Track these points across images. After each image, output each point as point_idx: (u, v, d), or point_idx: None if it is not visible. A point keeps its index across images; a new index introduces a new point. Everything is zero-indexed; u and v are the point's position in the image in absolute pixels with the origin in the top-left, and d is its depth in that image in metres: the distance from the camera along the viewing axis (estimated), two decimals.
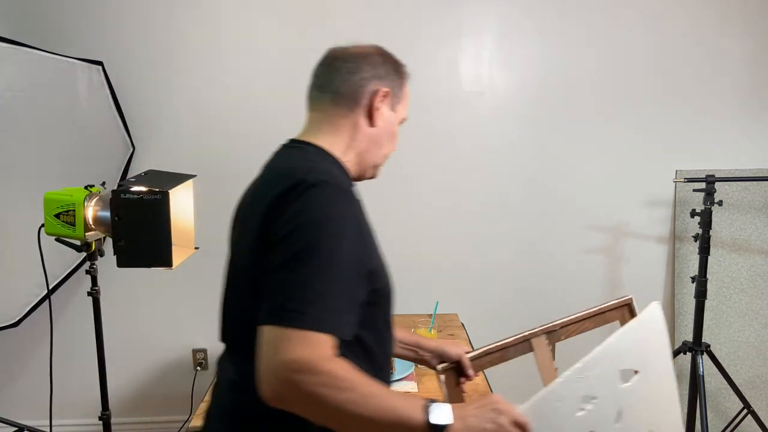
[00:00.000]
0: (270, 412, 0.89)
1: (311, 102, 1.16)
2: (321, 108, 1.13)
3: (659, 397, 1.20)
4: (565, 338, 1.40)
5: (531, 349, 1.38)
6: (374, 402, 0.85)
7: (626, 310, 1.41)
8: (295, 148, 1.11)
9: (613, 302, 1.40)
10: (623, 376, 1.14)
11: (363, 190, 2.82)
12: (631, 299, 1.40)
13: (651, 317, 1.21)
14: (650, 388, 1.18)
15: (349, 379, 0.85)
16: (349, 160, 1.13)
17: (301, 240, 0.90)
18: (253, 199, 1.07)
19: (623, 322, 1.38)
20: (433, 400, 0.91)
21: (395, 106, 1.18)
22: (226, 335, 1.12)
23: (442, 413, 0.89)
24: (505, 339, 1.40)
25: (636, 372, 1.16)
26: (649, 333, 1.20)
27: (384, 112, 1.14)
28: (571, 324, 1.38)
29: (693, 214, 2.34)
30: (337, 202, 0.96)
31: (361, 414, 0.84)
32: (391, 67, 1.17)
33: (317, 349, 0.85)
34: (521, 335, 1.38)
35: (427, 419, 0.87)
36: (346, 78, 1.11)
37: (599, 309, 1.39)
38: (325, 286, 0.88)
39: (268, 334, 0.86)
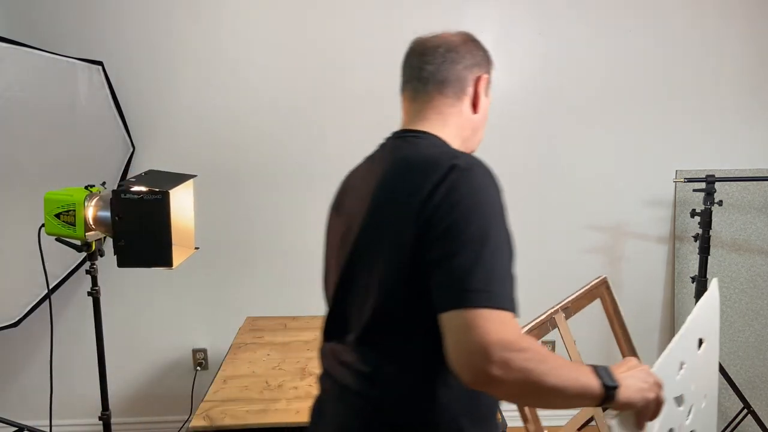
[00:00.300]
0: (404, 402, 0.96)
1: (413, 93, 1.14)
2: (425, 99, 1.12)
3: (712, 365, 1.29)
4: (573, 314, 1.65)
5: (555, 325, 1.61)
6: (565, 372, 0.87)
7: (604, 287, 1.70)
8: (413, 138, 1.09)
9: (595, 281, 1.69)
10: (698, 345, 1.23)
11: None
12: (605, 278, 1.69)
13: (714, 293, 1.29)
14: (709, 356, 1.26)
15: (544, 353, 0.87)
16: (456, 148, 1.10)
17: (475, 223, 0.90)
18: (393, 190, 1.01)
19: (603, 298, 1.69)
20: (594, 366, 0.93)
21: (488, 92, 1.19)
22: (348, 328, 1.07)
23: (609, 376, 0.92)
24: (531, 321, 1.61)
25: (702, 341, 1.24)
26: (712, 306, 1.28)
27: (483, 98, 1.16)
28: (576, 301, 1.66)
29: (693, 214, 2.34)
30: (492, 183, 0.98)
31: (556, 385, 0.86)
32: (485, 53, 1.18)
33: (515, 327, 0.86)
34: (545, 314, 1.61)
35: (603, 383, 0.90)
36: (450, 67, 1.11)
37: (589, 288, 1.68)
38: (503, 266, 0.91)
39: (460, 317, 0.86)
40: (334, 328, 1.12)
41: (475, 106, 1.15)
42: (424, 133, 1.09)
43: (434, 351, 0.93)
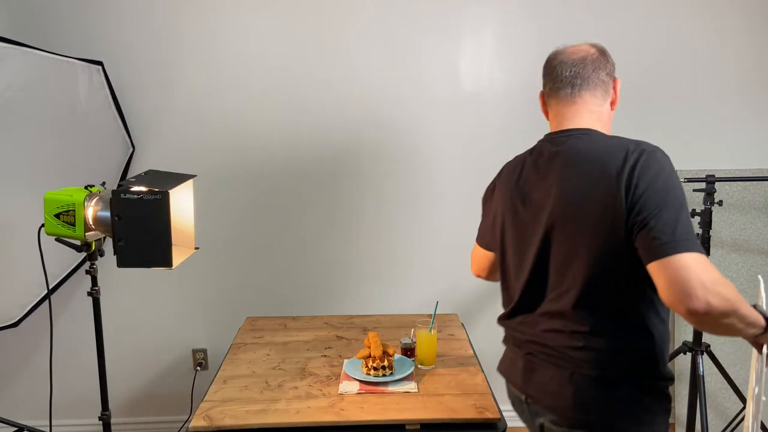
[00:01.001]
0: (620, 352, 1.22)
1: (567, 97, 1.34)
2: (578, 101, 1.34)
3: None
4: None
5: None
6: (746, 305, 1.12)
7: None
8: (582, 135, 1.31)
9: None
10: None
11: (362, 189, 2.84)
12: None
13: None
14: None
15: (734, 287, 1.11)
16: None
17: (672, 192, 1.15)
18: (589, 173, 1.23)
19: None
20: (753, 305, 1.19)
21: None
22: (543, 299, 1.32)
23: (764, 313, 1.18)
24: None
25: None
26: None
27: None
28: None
29: (693, 214, 2.34)
30: (670, 162, 1.22)
31: (745, 314, 1.11)
32: (613, 61, 1.39)
33: (714, 267, 1.10)
34: None
35: (765, 317, 1.17)
36: (596, 74, 1.33)
37: None
38: (691, 224, 1.15)
39: (677, 260, 1.09)
40: (525, 303, 1.36)
41: (613, 103, 1.38)
42: (588, 129, 1.32)
43: (637, 304, 1.22)
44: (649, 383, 1.25)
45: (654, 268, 1.12)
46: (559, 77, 1.35)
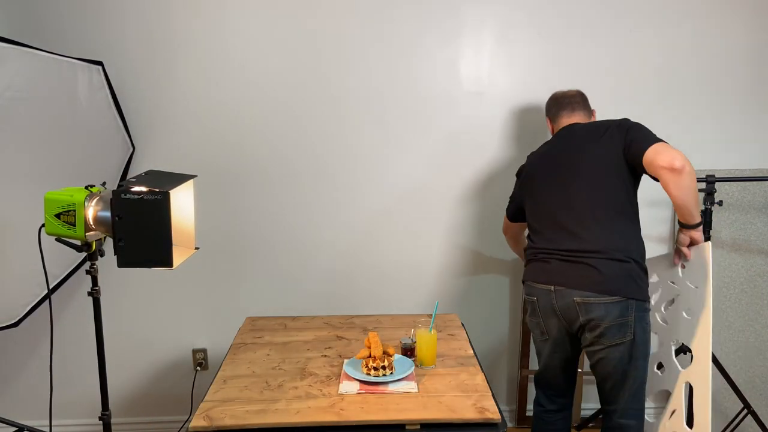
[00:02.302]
0: (635, 247, 1.89)
1: (570, 112, 2.14)
2: (581, 114, 2.14)
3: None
4: None
5: None
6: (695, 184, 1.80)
7: None
8: (588, 123, 2.05)
9: None
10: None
11: (362, 189, 2.83)
12: None
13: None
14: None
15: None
16: None
17: (644, 130, 1.89)
18: (601, 135, 1.94)
19: None
20: None
21: None
22: (588, 210, 1.90)
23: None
24: None
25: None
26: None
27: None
28: None
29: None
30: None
31: (694, 188, 1.76)
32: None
33: None
34: None
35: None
36: (587, 105, 2.18)
37: None
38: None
39: (657, 146, 1.79)
40: (560, 231, 1.95)
41: (589, 117, 2.18)
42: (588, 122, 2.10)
43: (635, 213, 1.92)
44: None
45: (647, 157, 1.79)
46: (563, 105, 2.16)
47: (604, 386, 1.96)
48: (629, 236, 1.88)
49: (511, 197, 2.29)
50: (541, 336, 2.04)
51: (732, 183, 2.61)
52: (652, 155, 1.77)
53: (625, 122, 1.93)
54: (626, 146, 1.87)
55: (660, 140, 1.81)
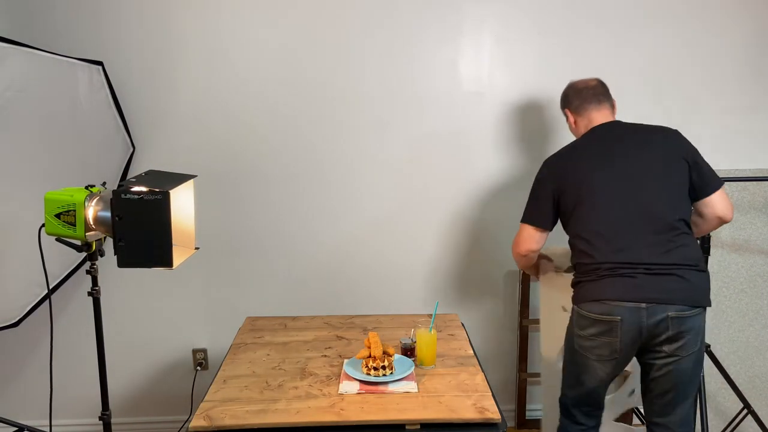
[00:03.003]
0: (699, 255, 1.87)
1: (598, 105, 2.03)
2: (606, 107, 2.04)
3: None
4: None
5: None
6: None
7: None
8: (629, 123, 2.02)
9: None
10: None
11: (362, 189, 2.82)
12: None
13: None
14: None
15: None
16: None
17: (706, 164, 1.95)
18: (656, 141, 1.93)
19: None
20: None
21: None
22: (664, 221, 1.83)
23: None
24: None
25: None
26: None
27: None
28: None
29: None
30: None
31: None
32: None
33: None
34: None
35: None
36: (609, 94, 2.08)
37: None
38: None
39: (722, 192, 1.90)
40: (640, 242, 1.83)
41: (613, 107, 2.08)
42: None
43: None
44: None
45: (708, 200, 1.92)
46: (586, 97, 2.05)
47: (664, 398, 1.86)
48: (697, 245, 1.91)
49: (539, 204, 2.01)
50: (610, 356, 1.84)
51: (732, 183, 2.61)
52: (717, 200, 1.88)
53: (690, 149, 1.93)
54: (693, 176, 1.89)
55: (721, 182, 1.91)
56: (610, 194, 1.86)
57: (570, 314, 1.95)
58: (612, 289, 1.80)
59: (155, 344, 2.74)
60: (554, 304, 2.24)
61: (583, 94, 2.05)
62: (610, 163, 1.90)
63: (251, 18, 2.49)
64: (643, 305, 1.77)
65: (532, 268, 2.25)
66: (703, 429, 2.28)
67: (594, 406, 2.00)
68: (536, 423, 2.81)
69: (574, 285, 1.93)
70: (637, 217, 1.83)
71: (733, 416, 2.52)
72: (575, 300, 1.91)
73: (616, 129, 1.97)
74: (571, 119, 2.10)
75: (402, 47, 2.54)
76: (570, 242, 1.95)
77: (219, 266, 2.68)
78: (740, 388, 2.45)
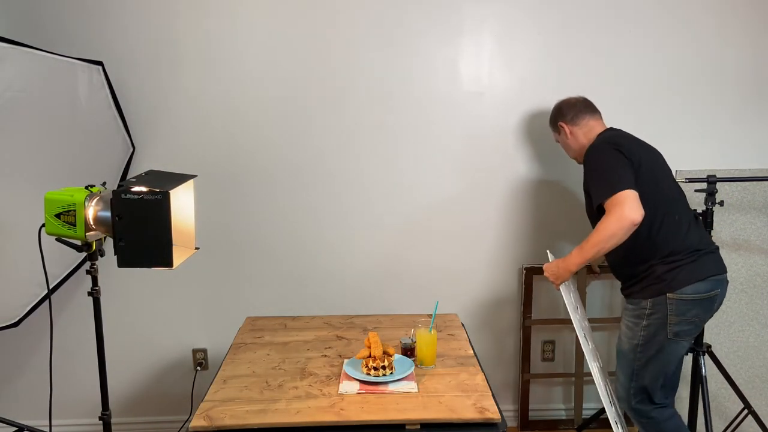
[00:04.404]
0: None
1: (596, 113, 2.21)
2: (601, 118, 2.23)
3: None
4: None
5: None
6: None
7: None
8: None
9: None
10: None
11: (362, 189, 2.82)
12: None
13: None
14: None
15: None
16: None
17: None
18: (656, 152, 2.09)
19: None
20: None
21: None
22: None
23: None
24: None
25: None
26: None
27: None
28: None
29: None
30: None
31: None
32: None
33: None
34: None
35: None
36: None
37: None
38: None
39: None
40: (697, 223, 2.05)
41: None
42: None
43: None
44: None
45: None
46: (584, 109, 2.19)
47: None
48: None
49: (624, 171, 1.90)
50: (696, 330, 2.00)
51: (732, 183, 2.61)
52: None
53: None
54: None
55: None
56: (666, 182, 2.02)
57: (646, 310, 1.98)
58: (713, 265, 1.97)
59: (155, 344, 2.74)
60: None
61: (576, 107, 2.18)
62: (651, 154, 2.05)
63: (251, 18, 2.49)
64: (725, 275, 2.00)
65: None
66: (707, 429, 2.29)
67: (675, 382, 2.14)
68: (539, 424, 2.80)
69: (661, 274, 1.94)
70: (685, 204, 2.04)
71: (734, 416, 2.51)
72: (672, 288, 1.92)
73: (627, 133, 2.14)
74: (567, 130, 2.19)
75: (403, 46, 2.54)
76: (646, 228, 1.93)
77: (219, 266, 2.68)
78: (740, 388, 2.45)
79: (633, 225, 1.82)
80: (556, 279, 2.10)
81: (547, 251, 2.30)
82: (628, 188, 1.83)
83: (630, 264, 2.03)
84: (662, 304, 1.93)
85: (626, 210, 1.80)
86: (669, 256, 1.95)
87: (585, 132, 2.17)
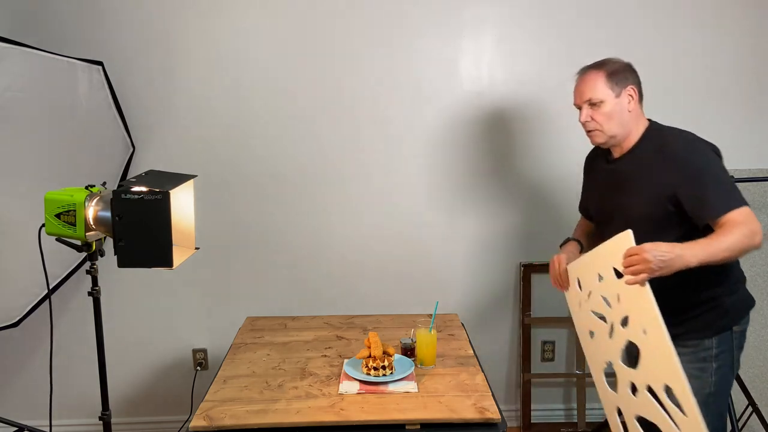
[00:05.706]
0: None
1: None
2: None
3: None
4: None
5: None
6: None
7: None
8: None
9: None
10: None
11: (362, 189, 2.82)
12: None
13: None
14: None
15: None
16: None
17: None
18: None
19: None
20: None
21: None
22: None
23: None
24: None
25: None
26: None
27: None
28: None
29: None
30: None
31: None
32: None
33: None
34: None
35: None
36: None
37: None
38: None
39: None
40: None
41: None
42: None
43: None
44: None
45: None
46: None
47: None
48: None
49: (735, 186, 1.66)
50: None
51: None
52: None
53: None
54: None
55: None
56: None
57: (712, 350, 1.68)
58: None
59: (155, 344, 2.73)
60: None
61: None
62: None
63: (252, 18, 2.49)
64: None
65: None
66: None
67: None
68: (542, 426, 2.80)
69: (729, 307, 1.68)
70: None
71: (739, 414, 2.51)
72: (736, 320, 1.69)
73: None
74: (636, 98, 1.80)
75: (403, 46, 2.54)
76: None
77: (219, 266, 2.68)
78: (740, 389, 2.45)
79: (759, 247, 1.59)
80: (660, 269, 1.45)
81: (629, 231, 1.57)
82: (745, 203, 1.59)
83: (694, 289, 1.67)
84: (728, 339, 1.68)
85: (757, 224, 1.54)
86: (735, 284, 1.73)
87: (642, 112, 1.80)
